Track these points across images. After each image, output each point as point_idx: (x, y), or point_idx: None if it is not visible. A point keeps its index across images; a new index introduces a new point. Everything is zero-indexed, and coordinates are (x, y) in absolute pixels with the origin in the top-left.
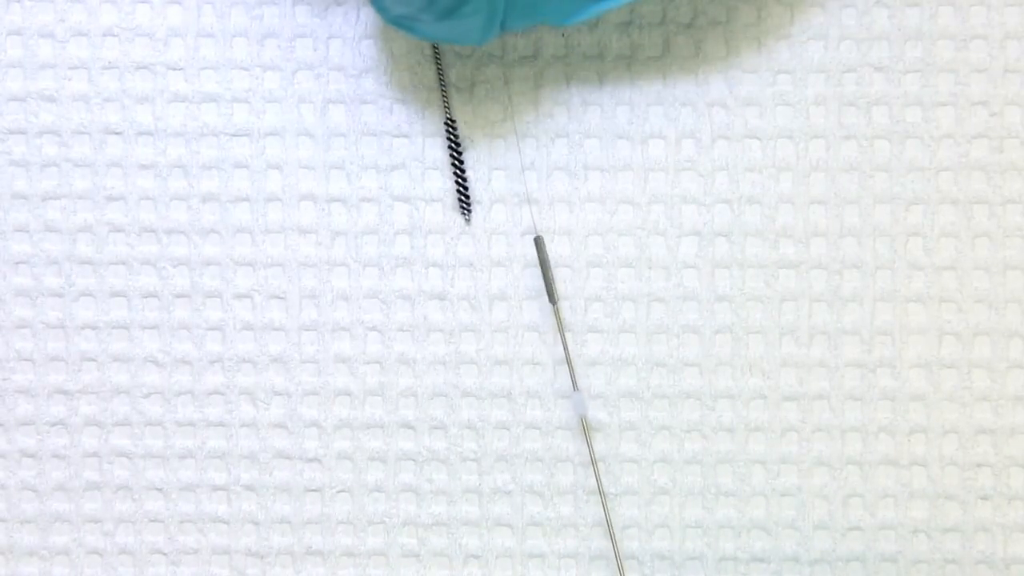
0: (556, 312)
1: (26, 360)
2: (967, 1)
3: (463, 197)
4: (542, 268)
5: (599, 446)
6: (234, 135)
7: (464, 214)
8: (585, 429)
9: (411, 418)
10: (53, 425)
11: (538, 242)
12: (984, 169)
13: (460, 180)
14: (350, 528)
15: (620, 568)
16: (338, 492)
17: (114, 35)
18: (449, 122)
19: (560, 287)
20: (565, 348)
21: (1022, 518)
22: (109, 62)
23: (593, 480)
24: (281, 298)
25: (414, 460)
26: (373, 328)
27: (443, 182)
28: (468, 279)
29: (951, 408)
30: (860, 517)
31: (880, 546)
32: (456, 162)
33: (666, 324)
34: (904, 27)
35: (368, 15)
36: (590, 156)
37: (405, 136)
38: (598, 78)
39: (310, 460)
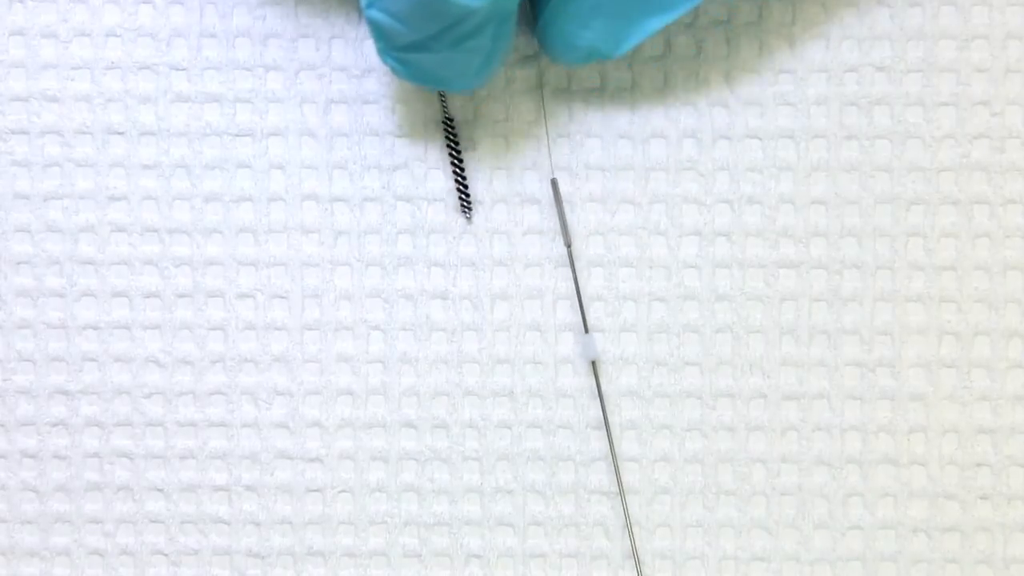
0: (570, 253)
1: (27, 360)
2: (969, 1)
3: (463, 196)
4: (557, 209)
5: (599, 445)
6: (237, 135)
7: (465, 213)
8: (595, 373)
9: (413, 417)
10: (54, 425)
11: (554, 184)
12: (985, 169)
13: (460, 179)
14: (351, 528)
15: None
16: (340, 492)
17: (117, 35)
18: (447, 121)
19: (561, 287)
20: (577, 289)
21: (1022, 518)
22: (112, 62)
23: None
24: (284, 298)
25: (416, 459)
26: (376, 327)
27: (445, 182)
28: (470, 278)
29: (950, 408)
30: (860, 516)
31: (880, 545)
32: (455, 161)
33: (666, 323)
34: (905, 27)
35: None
36: (591, 156)
37: (407, 136)
38: (599, 78)
39: (312, 460)
